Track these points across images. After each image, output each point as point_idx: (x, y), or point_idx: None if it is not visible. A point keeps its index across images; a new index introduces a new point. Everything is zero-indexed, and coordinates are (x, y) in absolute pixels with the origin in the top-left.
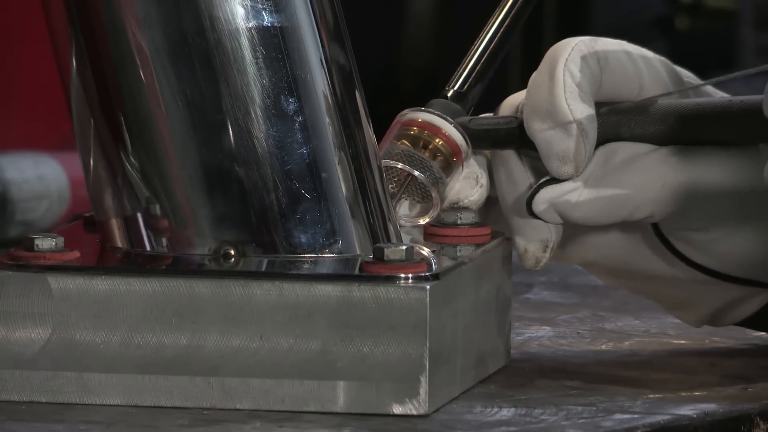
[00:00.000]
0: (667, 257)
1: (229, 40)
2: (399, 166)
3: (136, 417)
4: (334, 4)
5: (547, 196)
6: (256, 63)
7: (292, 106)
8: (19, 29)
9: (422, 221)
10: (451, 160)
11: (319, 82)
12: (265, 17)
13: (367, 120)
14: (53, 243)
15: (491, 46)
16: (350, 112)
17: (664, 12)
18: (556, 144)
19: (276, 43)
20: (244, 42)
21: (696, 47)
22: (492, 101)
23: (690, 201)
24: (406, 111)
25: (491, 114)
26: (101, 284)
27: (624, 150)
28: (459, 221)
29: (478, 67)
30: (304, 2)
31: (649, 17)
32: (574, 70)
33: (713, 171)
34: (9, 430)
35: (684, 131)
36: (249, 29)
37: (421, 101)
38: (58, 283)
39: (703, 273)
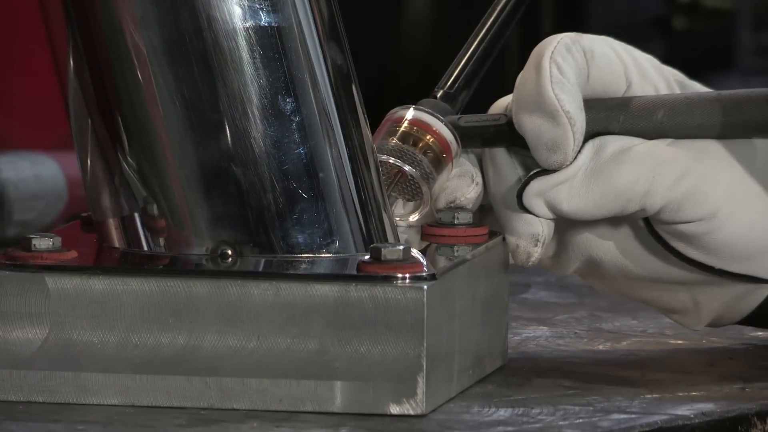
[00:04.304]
0: (661, 256)
1: (227, 40)
2: (391, 161)
3: (133, 417)
4: (332, 4)
5: (537, 188)
6: (254, 63)
7: (289, 106)
8: (17, 29)
9: (412, 219)
10: (441, 157)
11: (317, 82)
12: (263, 17)
13: (365, 120)
14: (51, 243)
15: (481, 48)
16: (347, 112)
17: (661, 12)
18: (544, 133)
19: (273, 43)
20: (242, 42)
21: (693, 47)
22: (488, 102)
23: (682, 193)
24: (396, 109)
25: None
26: (99, 284)
27: (614, 143)
28: (456, 221)
29: (467, 69)
30: (301, 2)
31: (646, 17)
32: (560, 62)
33: (705, 162)
34: (6, 429)
35: (674, 125)
36: (246, 29)
37: (418, 101)
38: (55, 283)
39: (697, 268)
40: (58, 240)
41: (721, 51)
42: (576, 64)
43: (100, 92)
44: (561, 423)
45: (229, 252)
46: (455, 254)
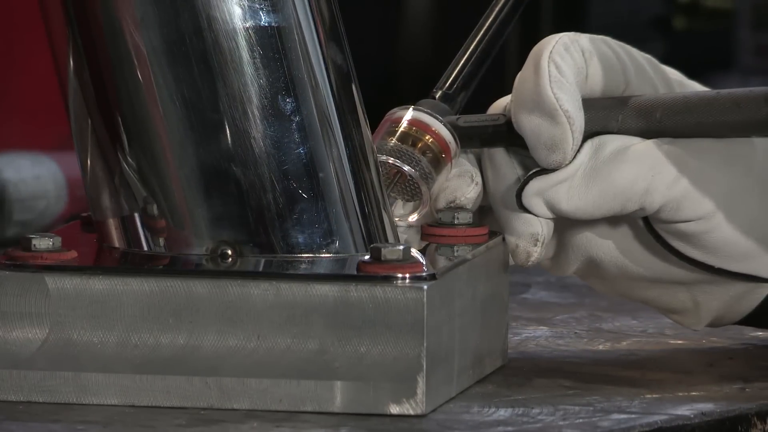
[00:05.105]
0: (661, 255)
1: (227, 40)
2: (390, 162)
3: (133, 417)
4: (332, 4)
5: (536, 187)
6: (254, 63)
7: (289, 106)
8: (17, 29)
9: (411, 219)
10: (440, 157)
11: (317, 82)
12: (263, 17)
13: (365, 120)
14: (50, 243)
15: (480, 49)
16: (347, 112)
17: (661, 12)
18: (543, 133)
19: (273, 43)
20: (242, 42)
21: (693, 47)
22: (489, 102)
23: (681, 192)
24: (395, 109)
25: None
26: (98, 284)
27: (613, 142)
28: (456, 221)
29: (466, 69)
30: (301, 2)
31: (646, 17)
32: (559, 61)
33: (704, 161)
34: (6, 429)
35: (672, 124)
36: (246, 29)
37: (417, 102)
38: (55, 282)
39: (697, 267)
40: (58, 240)
41: (721, 51)
42: (574, 64)
43: (100, 92)
44: (561, 423)
45: (229, 252)
46: (455, 254)
